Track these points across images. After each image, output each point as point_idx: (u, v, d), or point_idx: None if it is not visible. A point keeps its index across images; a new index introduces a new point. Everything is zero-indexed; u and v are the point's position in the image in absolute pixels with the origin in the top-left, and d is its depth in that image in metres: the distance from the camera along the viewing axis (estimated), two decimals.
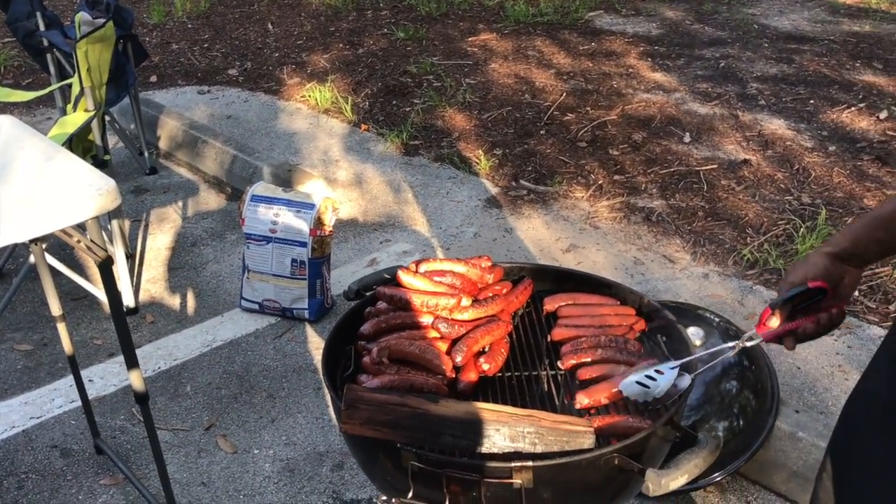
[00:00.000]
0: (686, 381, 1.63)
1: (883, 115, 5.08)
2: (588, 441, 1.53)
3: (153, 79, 6.51)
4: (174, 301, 3.82)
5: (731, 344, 1.57)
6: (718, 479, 2.62)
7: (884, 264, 3.53)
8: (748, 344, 1.54)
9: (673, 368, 1.64)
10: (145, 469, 2.83)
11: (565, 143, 4.98)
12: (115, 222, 3.65)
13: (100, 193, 1.90)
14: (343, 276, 3.85)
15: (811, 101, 5.38)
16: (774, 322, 1.47)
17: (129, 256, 3.98)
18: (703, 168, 4.53)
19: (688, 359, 1.68)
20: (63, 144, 3.66)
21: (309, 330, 3.57)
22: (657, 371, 1.64)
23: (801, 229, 3.78)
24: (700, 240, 3.89)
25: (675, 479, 1.44)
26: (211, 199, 4.84)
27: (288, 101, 5.93)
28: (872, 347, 3.08)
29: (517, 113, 5.40)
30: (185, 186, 5.00)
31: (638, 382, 1.63)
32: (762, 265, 3.63)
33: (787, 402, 2.80)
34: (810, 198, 4.16)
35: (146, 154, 5.11)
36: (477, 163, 4.80)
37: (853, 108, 5.20)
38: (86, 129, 4.00)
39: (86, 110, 3.96)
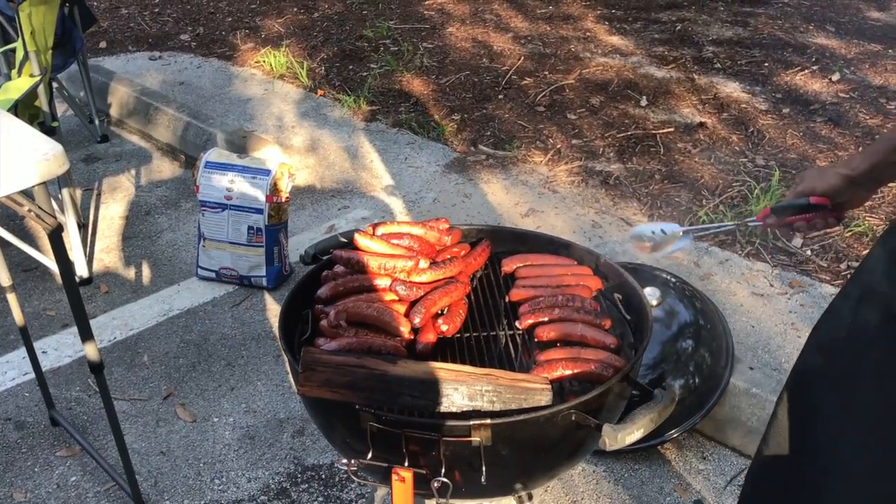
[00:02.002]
0: (687, 241, 1.69)
1: (835, 77, 5.14)
2: (545, 398, 1.54)
3: (102, 45, 6.35)
4: (129, 271, 3.76)
5: (731, 223, 1.68)
6: (675, 435, 2.67)
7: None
8: (750, 224, 1.67)
9: (685, 233, 1.70)
10: (103, 440, 2.79)
11: (524, 107, 4.97)
12: (65, 191, 3.57)
13: (46, 158, 1.85)
14: (301, 244, 3.82)
15: (765, 64, 5.43)
16: (771, 221, 1.58)
17: (82, 226, 3.90)
18: (660, 131, 4.56)
19: (692, 227, 1.75)
20: (8, 111, 3.56)
21: (267, 297, 3.54)
22: (664, 230, 1.69)
23: (756, 190, 3.83)
24: (657, 202, 3.92)
25: (631, 433, 1.46)
26: (164, 167, 4.76)
27: (242, 66, 5.83)
28: (824, 305, 3.15)
29: (475, 77, 5.37)
30: (138, 154, 4.90)
31: (652, 232, 1.68)
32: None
33: (742, 359, 2.86)
34: (764, 159, 4.21)
35: (97, 122, 4.99)
36: (435, 128, 4.77)
37: (806, 71, 5.27)
38: (32, 95, 3.88)
39: (31, 75, 3.84)
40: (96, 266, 3.79)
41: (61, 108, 5.18)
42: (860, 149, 4.28)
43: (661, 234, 1.69)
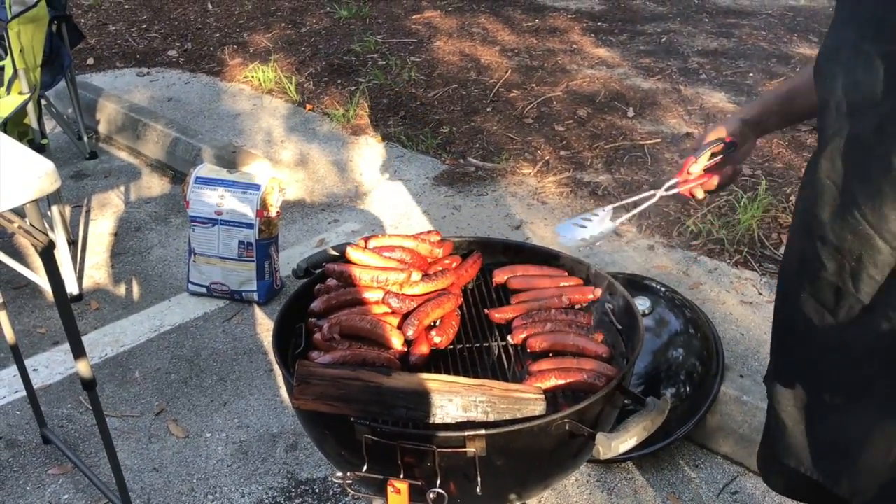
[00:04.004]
0: (612, 225, 1.71)
1: None
2: (539, 408, 1.55)
3: (90, 61, 6.35)
4: (119, 287, 3.76)
5: (651, 192, 1.70)
6: (667, 443, 2.68)
7: None
8: (668, 192, 1.68)
9: (605, 211, 1.73)
10: (95, 457, 2.78)
11: (511, 119, 5.00)
12: (55, 208, 3.57)
13: (38, 176, 1.85)
14: (292, 258, 3.82)
15: (750, 75, 5.48)
16: (695, 168, 1.64)
17: (72, 243, 3.90)
18: (647, 142, 4.59)
19: (616, 204, 1.78)
20: None
21: (258, 312, 3.54)
22: (591, 215, 1.71)
23: (743, 200, 3.86)
24: (645, 212, 3.95)
25: (625, 442, 1.47)
26: (154, 183, 4.76)
27: (230, 82, 5.84)
28: None
29: (463, 90, 5.40)
30: (127, 170, 4.90)
31: (574, 224, 1.70)
32: (706, 235, 3.70)
33: (732, 367, 2.88)
34: (751, 169, 4.25)
35: (85, 138, 4.99)
36: (424, 141, 4.79)
37: None
38: (21, 112, 3.88)
39: (20, 93, 3.84)
40: (86, 283, 3.78)
41: (49, 124, 5.17)
42: None
43: (589, 220, 1.73)
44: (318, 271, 1.97)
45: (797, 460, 1.53)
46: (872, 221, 1.27)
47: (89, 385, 2.26)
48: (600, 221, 1.71)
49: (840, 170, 1.31)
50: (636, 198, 1.75)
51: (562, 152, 4.58)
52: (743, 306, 3.22)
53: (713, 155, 1.63)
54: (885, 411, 1.35)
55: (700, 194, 1.66)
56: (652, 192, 1.71)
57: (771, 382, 1.58)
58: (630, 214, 1.77)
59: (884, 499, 1.40)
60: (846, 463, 1.44)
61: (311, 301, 1.86)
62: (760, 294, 3.30)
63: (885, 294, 1.29)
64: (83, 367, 2.23)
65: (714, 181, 1.65)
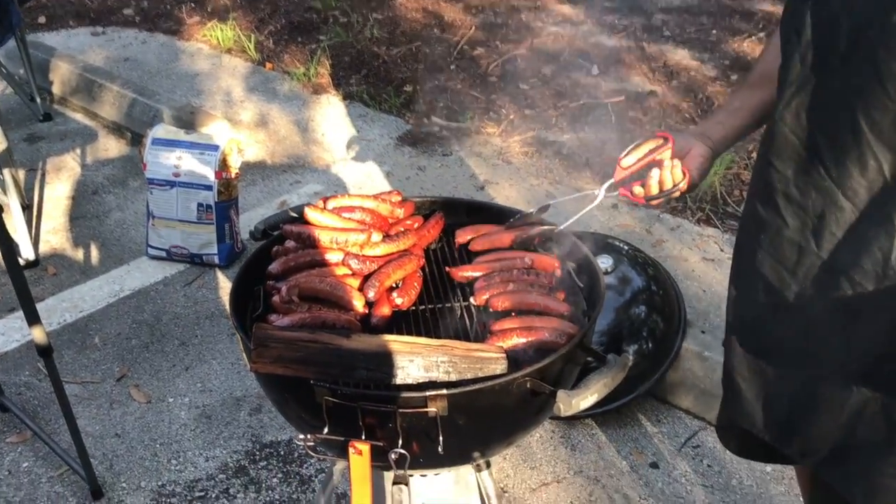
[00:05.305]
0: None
1: None
2: (501, 367, 1.55)
3: (42, 20, 6.15)
4: (77, 252, 3.68)
5: (592, 192, 1.77)
6: (630, 399, 2.71)
7: None
8: (605, 191, 1.75)
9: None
10: (55, 424, 2.75)
11: (476, 78, 4.94)
12: (6, 171, 3.47)
13: None
14: (253, 220, 3.74)
15: (714, 32, 5.47)
16: (627, 161, 1.67)
17: (26, 207, 3.80)
18: (611, 100, 4.58)
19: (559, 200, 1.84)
20: None
21: (220, 275, 3.49)
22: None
23: None
24: (609, 171, 3.93)
25: (585, 399, 1.47)
26: (111, 145, 4.65)
27: (188, 41, 5.70)
28: None
29: (426, 48, 5.32)
30: (83, 133, 4.78)
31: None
32: None
33: (694, 323, 2.90)
34: None
35: (38, 100, 4.84)
36: (387, 100, 4.73)
37: (753, 38, 5.32)
38: None
39: None
40: (43, 248, 3.70)
41: None
42: None
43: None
44: (276, 233, 1.93)
45: (751, 422, 1.55)
46: (836, 178, 1.26)
47: (45, 351, 2.22)
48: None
49: (805, 125, 1.30)
50: (575, 195, 1.79)
51: (526, 111, 4.55)
52: (705, 263, 3.25)
53: (651, 153, 1.65)
54: (837, 373, 1.36)
55: (638, 191, 1.66)
56: (593, 192, 1.73)
57: (726, 344, 1.59)
58: (574, 219, 1.80)
59: (833, 458, 1.42)
60: (798, 424, 1.45)
61: (269, 263, 1.83)
62: (722, 251, 3.32)
63: (845, 253, 1.29)
64: (38, 334, 2.18)
65: (654, 176, 1.64)
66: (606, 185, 1.73)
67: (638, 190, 1.66)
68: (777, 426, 1.51)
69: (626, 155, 1.68)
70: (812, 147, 1.29)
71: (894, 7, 1.13)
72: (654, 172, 1.64)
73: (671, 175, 1.63)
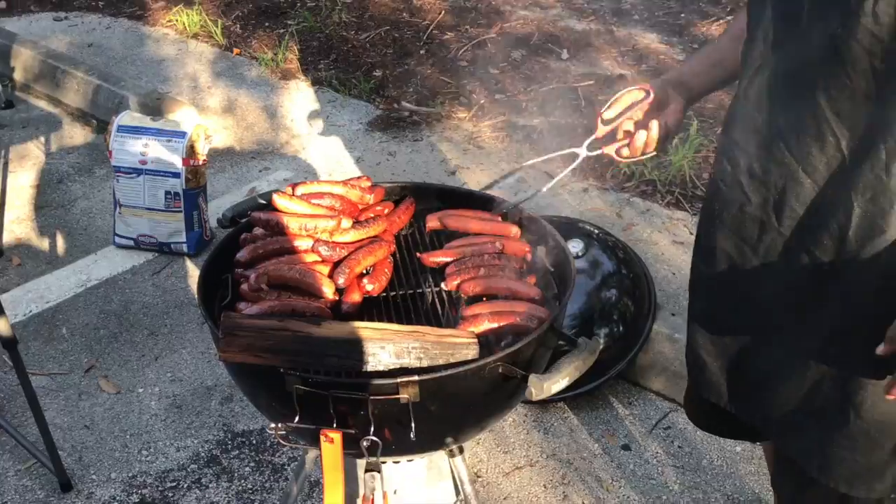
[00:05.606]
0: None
1: None
2: (472, 352, 1.54)
3: (2, 5, 6.02)
4: (43, 241, 3.62)
5: (572, 150, 1.75)
6: (601, 382, 2.73)
7: None
8: (591, 152, 1.72)
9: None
10: (22, 417, 2.71)
11: (446, 62, 4.92)
12: None
13: None
14: (222, 207, 3.67)
15: (682, 15, 5.49)
16: (608, 113, 1.63)
17: None
18: (581, 84, 4.58)
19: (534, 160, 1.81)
20: None
21: (189, 264, 3.46)
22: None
23: (675, 140, 3.89)
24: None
25: (557, 382, 1.48)
26: (76, 133, 4.57)
27: (154, 26, 5.61)
28: None
29: (396, 32, 5.29)
30: (47, 120, 4.70)
31: None
32: (638, 178, 3.73)
33: (664, 306, 2.93)
34: None
35: (0, 87, 4.76)
36: (357, 85, 4.69)
37: (721, 21, 5.34)
38: None
39: None
40: (7, 238, 3.64)
41: None
42: None
43: None
44: (244, 220, 1.91)
45: (717, 395, 1.57)
46: (797, 154, 1.28)
47: (10, 344, 2.18)
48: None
49: (766, 102, 1.32)
50: (562, 152, 1.76)
51: (497, 96, 4.54)
52: (675, 246, 3.27)
53: (631, 107, 1.61)
54: (797, 346, 1.39)
55: (626, 153, 1.62)
56: (573, 150, 1.71)
57: (690, 319, 1.60)
58: (557, 179, 1.78)
59: (792, 432, 1.45)
60: (761, 396, 1.48)
61: (237, 251, 1.81)
62: (692, 234, 3.35)
63: (805, 229, 1.31)
64: (2, 325, 2.15)
65: (640, 138, 1.59)
66: (588, 141, 1.70)
67: (626, 152, 1.62)
68: (741, 398, 1.54)
69: (607, 108, 1.65)
70: (774, 124, 1.31)
71: None
72: (641, 134, 1.59)
73: (655, 135, 1.60)
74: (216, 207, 3.70)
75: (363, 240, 1.87)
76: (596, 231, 3.04)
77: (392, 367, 1.51)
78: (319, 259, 1.79)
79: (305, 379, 1.47)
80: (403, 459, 1.76)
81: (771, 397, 1.46)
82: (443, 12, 5.56)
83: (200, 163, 3.40)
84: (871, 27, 1.14)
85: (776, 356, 1.42)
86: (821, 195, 1.27)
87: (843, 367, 1.34)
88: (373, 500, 1.58)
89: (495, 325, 1.63)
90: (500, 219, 2.03)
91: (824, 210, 1.27)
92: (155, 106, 4.35)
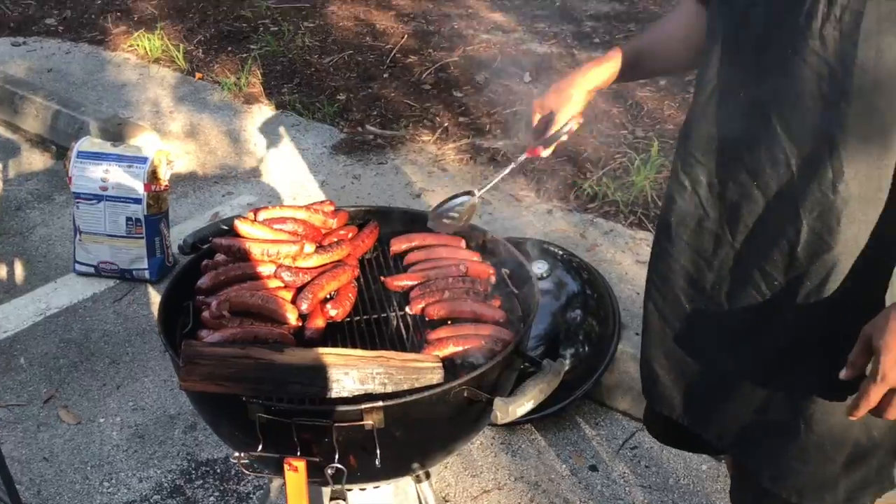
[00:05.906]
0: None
1: None
2: (437, 376, 1.54)
3: None
4: (0, 269, 3.55)
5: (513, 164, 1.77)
6: (568, 403, 2.73)
7: None
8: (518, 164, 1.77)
9: (467, 195, 1.82)
10: None
11: (409, 86, 4.94)
12: None
13: None
14: (184, 233, 3.63)
15: None
16: (546, 153, 1.71)
17: None
18: None
19: (483, 189, 1.83)
20: None
21: (151, 291, 3.41)
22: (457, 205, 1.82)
23: (636, 161, 3.93)
24: (543, 177, 3.98)
25: (522, 405, 1.48)
26: (35, 159, 4.51)
27: (114, 51, 5.56)
28: None
29: (359, 56, 5.30)
30: (5, 146, 4.63)
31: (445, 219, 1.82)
32: (602, 198, 3.76)
33: (629, 325, 2.94)
34: (643, 131, 4.33)
35: None
36: (320, 109, 4.69)
37: None
38: None
39: None
40: None
41: None
42: None
43: (460, 206, 1.82)
44: (206, 246, 1.89)
45: (669, 408, 1.59)
46: (751, 170, 1.31)
47: None
48: (468, 209, 1.81)
49: (723, 120, 1.35)
50: (505, 171, 1.80)
51: (460, 118, 4.56)
52: (638, 266, 3.30)
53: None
54: (750, 361, 1.41)
55: (546, 153, 1.70)
56: (514, 163, 1.77)
57: (644, 332, 1.62)
58: (491, 184, 1.81)
59: (746, 443, 1.47)
60: (714, 409, 1.50)
61: (198, 277, 1.79)
62: None
63: (756, 244, 1.34)
64: None
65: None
66: (521, 159, 1.76)
67: (546, 152, 1.71)
68: (694, 412, 1.56)
69: (545, 150, 1.73)
70: (730, 140, 1.34)
71: (801, 7, 1.18)
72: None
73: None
74: (179, 233, 3.66)
75: (326, 265, 1.86)
76: (560, 252, 3.05)
77: (356, 393, 1.50)
78: (282, 285, 1.78)
79: (268, 407, 1.45)
80: (370, 486, 1.74)
81: (724, 410, 1.48)
82: (406, 36, 5.59)
83: (162, 188, 3.36)
84: (817, 49, 1.17)
85: (729, 370, 1.45)
86: (772, 211, 1.30)
87: (794, 383, 1.36)
88: None
89: (460, 348, 1.64)
90: (464, 242, 2.04)
91: (775, 226, 1.30)
92: (116, 131, 4.32)
